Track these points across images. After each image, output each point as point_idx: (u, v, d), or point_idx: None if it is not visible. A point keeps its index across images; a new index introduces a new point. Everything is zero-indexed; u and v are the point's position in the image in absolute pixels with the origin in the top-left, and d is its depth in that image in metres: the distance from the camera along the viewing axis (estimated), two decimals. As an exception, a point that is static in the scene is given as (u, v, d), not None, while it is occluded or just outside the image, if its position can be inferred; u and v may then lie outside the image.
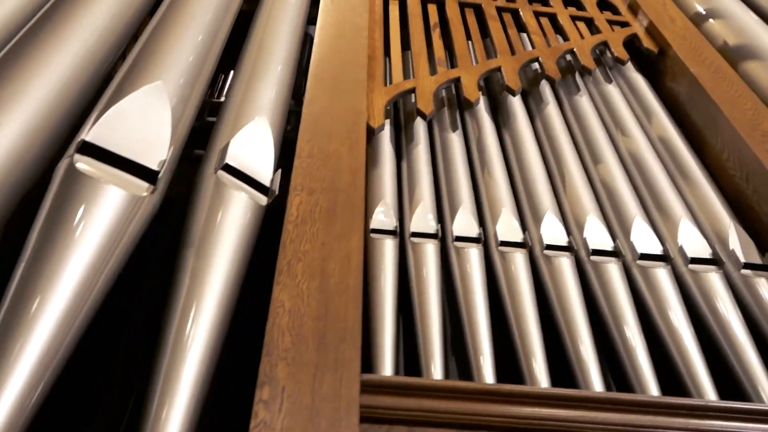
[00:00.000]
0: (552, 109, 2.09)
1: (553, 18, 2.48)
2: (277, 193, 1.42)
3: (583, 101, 2.14)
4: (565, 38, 2.34)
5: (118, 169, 1.16)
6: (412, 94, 1.95)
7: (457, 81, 2.04)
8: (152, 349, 1.09)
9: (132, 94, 1.30)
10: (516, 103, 2.09)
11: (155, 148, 1.25)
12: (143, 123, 1.28)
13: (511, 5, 2.52)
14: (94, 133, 1.19)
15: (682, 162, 1.92)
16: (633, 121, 2.08)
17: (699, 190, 1.83)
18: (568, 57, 2.28)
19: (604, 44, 2.33)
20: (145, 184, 1.17)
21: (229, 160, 1.34)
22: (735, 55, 2.22)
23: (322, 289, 1.25)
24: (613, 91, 2.20)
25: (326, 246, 1.34)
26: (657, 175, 1.86)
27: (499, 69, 2.10)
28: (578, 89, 2.18)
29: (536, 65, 2.22)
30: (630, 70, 2.31)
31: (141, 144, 1.23)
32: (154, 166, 1.20)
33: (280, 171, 1.47)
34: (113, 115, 1.25)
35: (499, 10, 2.49)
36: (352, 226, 1.39)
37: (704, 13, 2.45)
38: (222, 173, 1.32)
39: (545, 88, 2.16)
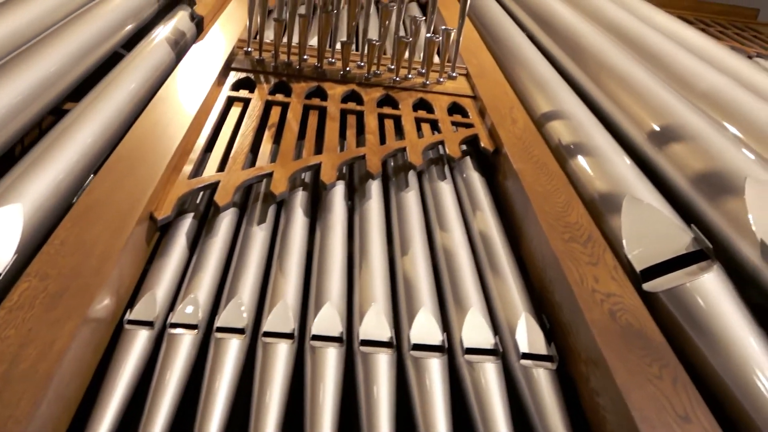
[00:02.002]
0: (374, 205, 2.08)
1: (398, 119, 2.54)
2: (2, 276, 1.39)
3: (410, 197, 2.14)
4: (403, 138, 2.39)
5: None
6: (216, 187, 1.95)
7: (269, 175, 2.04)
8: None
9: None
10: (338, 197, 2.09)
11: None
12: None
13: (357, 107, 2.58)
14: None
15: (495, 255, 1.91)
16: (457, 216, 2.08)
17: (503, 282, 1.80)
18: (404, 154, 2.32)
19: (441, 143, 2.37)
20: None
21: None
22: (566, 153, 2.27)
23: (5, 375, 1.19)
24: (444, 187, 2.22)
25: (32, 332, 1.28)
26: (463, 268, 1.83)
27: (319, 165, 2.12)
28: (407, 185, 2.20)
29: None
30: (469, 167, 2.35)
31: None
32: None
33: (16, 256, 1.45)
34: None
35: (344, 111, 2.56)
36: (73, 312, 1.34)
37: (548, 114, 2.53)
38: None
39: (372, 185, 2.17)
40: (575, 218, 1.88)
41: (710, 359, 1.43)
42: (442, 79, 2.88)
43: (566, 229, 1.82)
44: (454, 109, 2.72)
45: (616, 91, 2.55)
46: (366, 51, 2.79)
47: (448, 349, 1.56)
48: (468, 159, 2.40)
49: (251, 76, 2.72)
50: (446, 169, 2.35)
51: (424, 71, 2.88)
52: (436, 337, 1.58)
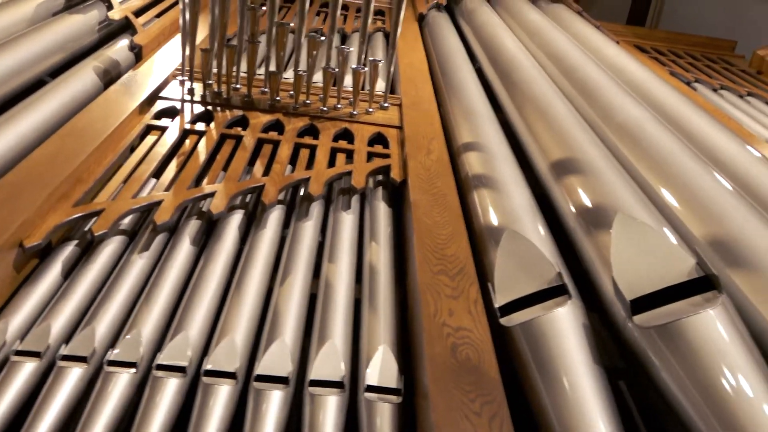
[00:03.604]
0: (268, 234, 2.11)
1: (314, 149, 2.58)
2: None
3: (307, 227, 2.17)
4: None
5: None
6: (98, 216, 1.99)
7: (159, 203, 2.08)
8: None
9: None
10: (231, 227, 2.12)
11: None
12: None
13: (276, 137, 2.63)
14: None
15: (376, 287, 1.92)
16: (350, 247, 2.10)
17: (376, 315, 1.81)
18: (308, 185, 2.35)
19: (348, 174, 2.40)
20: None
21: None
22: (472, 184, 2.28)
23: None
24: (346, 218, 2.24)
25: None
26: (337, 300, 1.85)
27: (212, 194, 2.15)
28: (306, 215, 2.22)
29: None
30: (378, 198, 2.37)
31: None
32: None
33: None
34: None
35: (262, 140, 2.60)
36: None
37: (466, 145, 2.55)
38: None
39: (271, 215, 2.20)
40: (453, 251, 1.89)
41: (545, 398, 1.43)
42: (371, 110, 2.92)
43: (440, 261, 1.83)
44: (378, 139, 2.75)
45: (535, 122, 2.57)
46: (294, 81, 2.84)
47: (295, 381, 1.57)
48: (380, 189, 2.43)
49: (177, 105, 2.78)
50: (355, 199, 2.37)
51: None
52: (285, 368, 1.59)
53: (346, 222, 2.22)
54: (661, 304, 1.50)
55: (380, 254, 2.07)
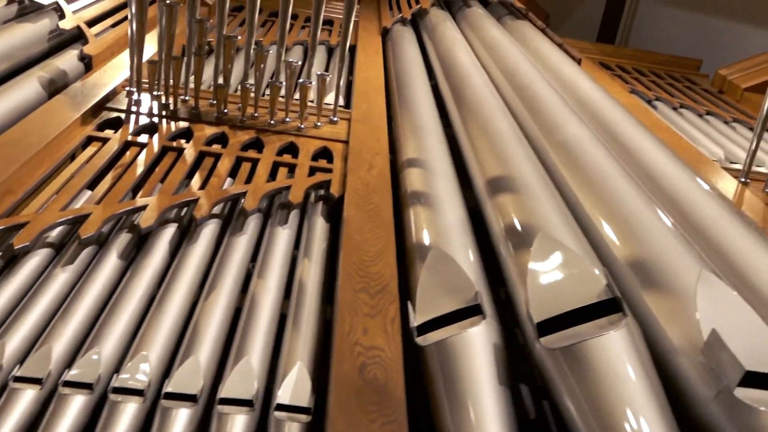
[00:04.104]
0: (198, 250, 2.10)
1: (257, 162, 2.58)
2: None
3: (241, 241, 2.16)
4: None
5: None
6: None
7: (87, 216, 2.07)
8: None
9: None
10: (162, 242, 2.11)
11: None
12: None
13: (220, 150, 2.62)
14: None
15: (302, 304, 1.92)
16: (282, 263, 2.10)
17: (298, 332, 1.80)
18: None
19: (288, 188, 2.40)
20: None
21: None
22: (409, 200, 2.28)
23: None
24: (282, 233, 2.24)
25: None
26: (261, 317, 1.85)
27: (144, 207, 2.15)
28: (241, 230, 2.22)
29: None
30: (317, 213, 2.37)
31: None
32: None
33: None
34: None
35: (204, 153, 2.60)
36: None
37: (410, 160, 2.55)
38: None
39: (204, 229, 2.19)
40: (379, 268, 1.89)
41: (448, 418, 1.42)
42: (320, 124, 2.93)
43: (363, 278, 1.83)
44: (323, 154, 2.75)
45: (477, 138, 2.58)
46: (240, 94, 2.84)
47: (205, 399, 1.56)
48: (320, 205, 2.43)
49: (122, 116, 2.77)
50: (294, 214, 2.37)
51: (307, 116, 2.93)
52: (195, 386, 1.58)
53: (282, 237, 2.22)
54: (571, 325, 1.50)
55: (311, 270, 2.07)
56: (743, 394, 1.27)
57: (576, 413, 1.33)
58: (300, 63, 2.89)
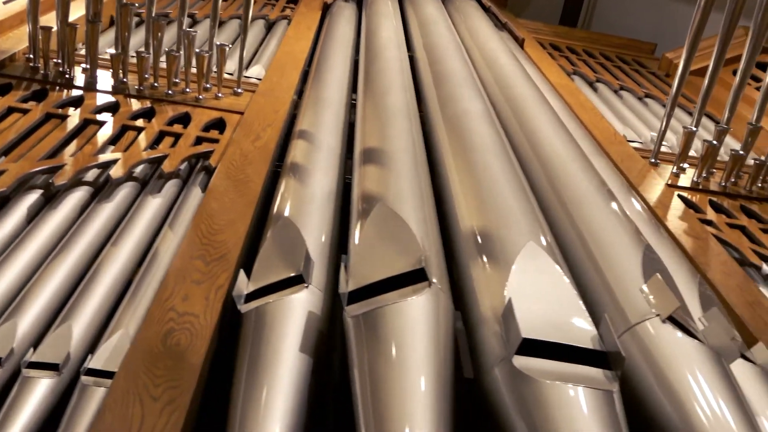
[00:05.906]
0: (59, 216, 2.08)
1: (141, 131, 2.55)
2: None
3: (106, 208, 2.14)
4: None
5: None
6: None
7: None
8: None
9: None
10: (21, 207, 2.09)
11: None
12: None
13: (105, 118, 2.60)
14: None
15: (149, 273, 1.90)
16: (142, 232, 2.09)
17: (136, 300, 1.78)
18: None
19: (165, 157, 2.37)
20: None
21: None
22: (289, 172, 2.26)
23: None
24: (152, 202, 2.21)
25: None
26: (100, 285, 1.83)
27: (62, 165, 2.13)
28: (108, 198, 2.19)
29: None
30: (195, 184, 2.34)
31: None
32: None
33: None
34: None
35: (88, 121, 2.57)
36: None
37: (301, 132, 2.53)
38: None
39: (69, 195, 2.17)
40: (225, 237, 1.87)
41: (242, 380, 1.40)
42: (221, 95, 2.90)
43: (205, 246, 1.81)
44: (217, 125, 2.73)
45: (370, 111, 2.56)
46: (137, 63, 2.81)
47: (14, 364, 1.55)
48: (201, 175, 2.40)
49: (12, 82, 2.74)
50: (172, 183, 2.34)
51: (209, 86, 2.91)
52: (3, 351, 1.56)
53: (151, 206, 2.20)
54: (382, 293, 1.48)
55: (172, 241, 2.04)
56: (520, 362, 1.26)
57: (358, 383, 1.30)
58: (196, 32, 2.85)
